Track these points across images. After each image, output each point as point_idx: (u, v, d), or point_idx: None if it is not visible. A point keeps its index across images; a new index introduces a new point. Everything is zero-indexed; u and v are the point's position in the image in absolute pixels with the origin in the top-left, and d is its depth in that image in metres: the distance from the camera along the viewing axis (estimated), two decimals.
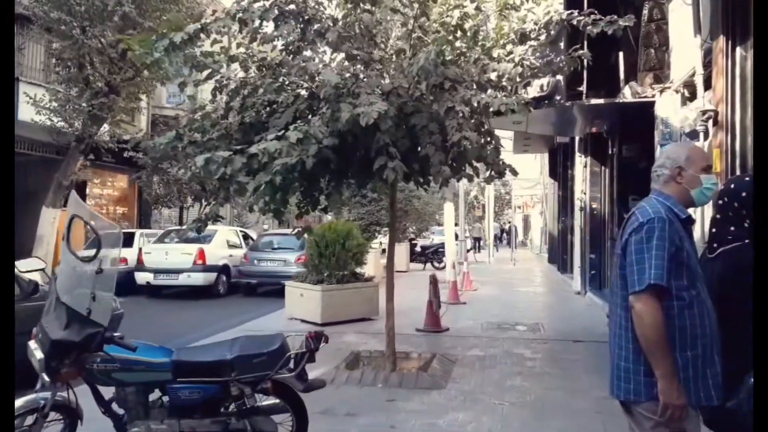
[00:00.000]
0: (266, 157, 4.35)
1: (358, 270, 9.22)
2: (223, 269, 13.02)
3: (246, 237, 14.67)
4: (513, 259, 21.71)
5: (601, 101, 6.72)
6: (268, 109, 5.62)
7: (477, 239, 31.55)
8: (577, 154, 12.42)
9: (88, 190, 20.08)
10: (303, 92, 5.40)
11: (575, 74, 7.06)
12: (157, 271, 12.31)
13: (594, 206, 11.66)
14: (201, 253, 12.48)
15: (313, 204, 6.41)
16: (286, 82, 5.51)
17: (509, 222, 35.19)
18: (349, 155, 5.40)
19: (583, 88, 7.07)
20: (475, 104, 4.76)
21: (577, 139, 12.39)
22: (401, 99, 5.28)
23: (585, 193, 11.97)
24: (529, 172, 26.33)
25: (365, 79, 4.98)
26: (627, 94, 6.52)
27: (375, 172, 4.87)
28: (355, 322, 8.64)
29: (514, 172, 5.52)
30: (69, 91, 13.54)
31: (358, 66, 5.19)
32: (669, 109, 6.09)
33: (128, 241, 13.15)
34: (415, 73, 4.71)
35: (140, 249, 12.87)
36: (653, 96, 6.30)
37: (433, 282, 8.14)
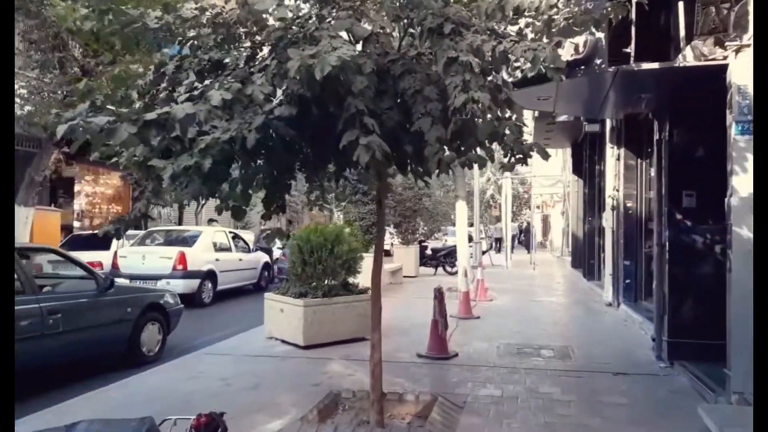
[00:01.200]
0: (176, 125, 2.91)
1: (350, 280, 7.76)
2: (208, 275, 11.64)
3: (236, 238, 13.27)
4: (532, 263, 20.09)
5: (654, 65, 5.19)
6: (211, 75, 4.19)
7: (498, 240, 30.14)
8: (608, 145, 10.84)
9: (77, 188, 18.96)
10: (248, 44, 3.95)
11: (620, 34, 5.53)
12: (132, 278, 10.95)
13: (629, 205, 10.08)
14: (182, 258, 11.12)
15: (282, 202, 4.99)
16: (236, 33, 4.05)
17: (527, 222, 33.48)
18: (317, 131, 3.96)
19: (631, 49, 5.54)
20: (488, 53, 3.27)
21: (608, 127, 10.81)
22: (388, 57, 3.83)
23: (618, 190, 10.39)
24: (550, 169, 24.70)
25: (332, 22, 3.51)
26: (689, 57, 4.99)
27: (345, 153, 3.43)
28: (345, 343, 7.19)
29: (545, 155, 4.01)
30: (42, 77, 12.31)
31: (326, 8, 3.71)
32: (748, 74, 4.54)
33: (105, 243, 11.86)
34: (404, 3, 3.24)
35: (115, 252, 11.54)
36: (725, 58, 4.77)
37: (439, 297, 6.66)
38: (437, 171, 3.76)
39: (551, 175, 23.78)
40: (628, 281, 10.02)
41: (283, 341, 7.31)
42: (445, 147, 3.70)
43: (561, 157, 23.57)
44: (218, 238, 12.74)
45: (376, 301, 4.71)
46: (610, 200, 10.70)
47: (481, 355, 6.76)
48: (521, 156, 3.99)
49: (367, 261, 11.70)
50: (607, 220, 11.07)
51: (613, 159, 10.61)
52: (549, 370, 6.09)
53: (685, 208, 6.13)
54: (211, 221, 18.29)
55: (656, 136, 6.67)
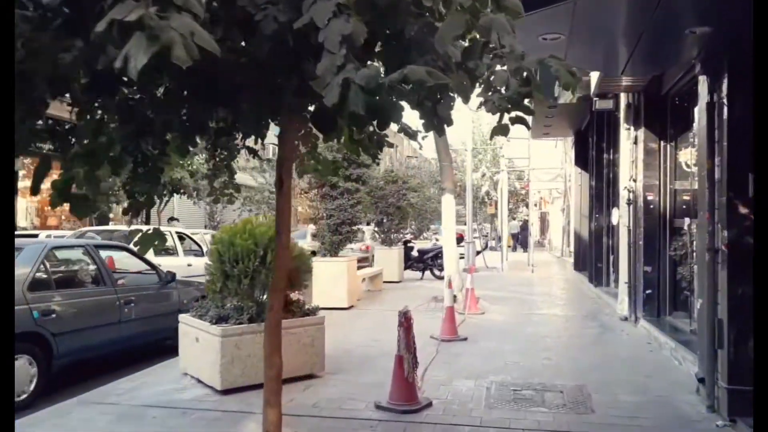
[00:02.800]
0: None
1: (295, 297, 5.89)
2: None
3: (183, 239, 11.33)
4: (531, 265, 18.23)
5: None
6: None
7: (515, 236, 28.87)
8: (623, 126, 8.99)
9: (24, 183, 16.99)
10: None
11: None
12: None
13: (650, 198, 8.23)
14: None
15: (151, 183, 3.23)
16: None
17: (525, 219, 31.62)
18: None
19: None
20: None
21: (622, 105, 8.95)
22: None
23: (635, 181, 8.55)
24: (549, 161, 22.85)
25: None
26: None
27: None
28: (284, 383, 5.33)
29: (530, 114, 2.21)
30: None
31: None
32: None
33: None
34: None
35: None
36: None
37: (405, 323, 4.78)
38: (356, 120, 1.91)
39: (550, 168, 21.94)
40: (648, 291, 8.18)
41: (199, 381, 5.44)
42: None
43: (561, 149, 21.74)
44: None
45: (273, 336, 2.91)
46: (625, 193, 8.85)
47: (464, 403, 4.88)
48: (525, 95, 2.15)
49: (331, 268, 9.86)
50: (621, 216, 9.22)
51: (630, 143, 8.77)
52: None
53: (754, 197, 4.27)
54: (171, 220, 16.39)
55: (706, 99, 4.81)
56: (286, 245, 3.17)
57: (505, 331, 8.16)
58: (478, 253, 18.89)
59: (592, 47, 5.22)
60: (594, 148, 12.62)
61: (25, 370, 5.09)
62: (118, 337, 6.21)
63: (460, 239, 16.80)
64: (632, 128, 8.64)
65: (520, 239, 32.31)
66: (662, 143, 8.21)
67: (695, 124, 5.14)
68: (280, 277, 3.17)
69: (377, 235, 14.62)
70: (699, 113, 5.12)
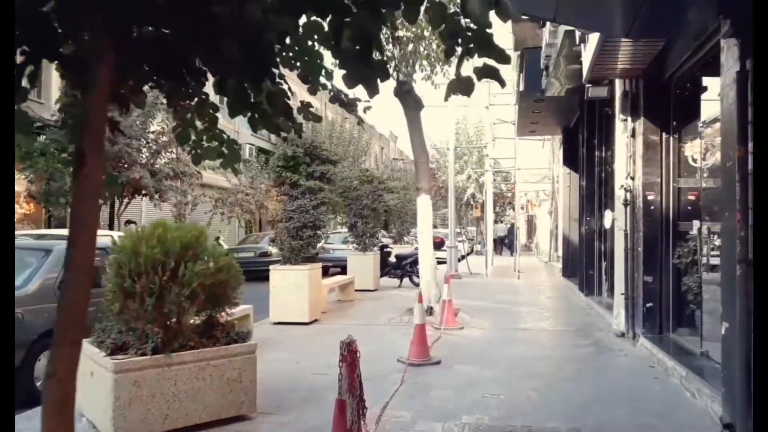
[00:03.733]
0: None
1: (221, 317, 4.74)
2: None
3: None
4: (517, 271, 17.18)
5: None
6: None
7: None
8: (619, 117, 7.95)
9: None
10: None
11: None
12: None
13: (650, 198, 7.21)
14: None
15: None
16: None
17: (511, 222, 30.65)
18: None
19: None
20: None
21: (617, 94, 7.91)
22: None
23: (633, 178, 7.52)
24: (536, 161, 21.87)
25: None
26: None
27: None
28: (204, 429, 4.20)
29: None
30: None
31: None
32: None
33: None
34: None
35: None
36: None
37: (349, 357, 3.67)
38: None
39: (537, 169, 20.94)
40: (650, 305, 7.14)
41: (94, 426, 4.28)
42: None
43: (549, 149, 20.76)
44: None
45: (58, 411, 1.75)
46: (621, 192, 7.81)
47: None
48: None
49: (290, 278, 8.58)
50: (617, 219, 8.19)
51: (626, 136, 7.73)
52: None
53: None
54: (128, 222, 15.16)
55: (736, 68, 3.75)
56: (84, 268, 1.97)
57: (485, 351, 7.06)
58: (461, 258, 17.84)
59: (587, 5, 4.16)
60: (584, 145, 11.60)
61: None
62: None
63: (440, 244, 15.74)
64: (629, 119, 7.60)
65: (507, 242, 31.35)
66: (664, 135, 7.19)
67: (722, 101, 4.08)
68: (68, 323, 1.96)
69: (350, 240, 13.46)
70: (724, 88, 4.06)
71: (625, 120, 7.74)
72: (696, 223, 6.36)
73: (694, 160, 6.95)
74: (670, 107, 7.10)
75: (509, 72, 15.36)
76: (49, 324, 4.79)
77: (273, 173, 8.89)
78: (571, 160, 14.79)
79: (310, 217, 8.67)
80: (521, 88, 11.90)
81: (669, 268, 7.03)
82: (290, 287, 8.51)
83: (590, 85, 7.77)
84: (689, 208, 7.04)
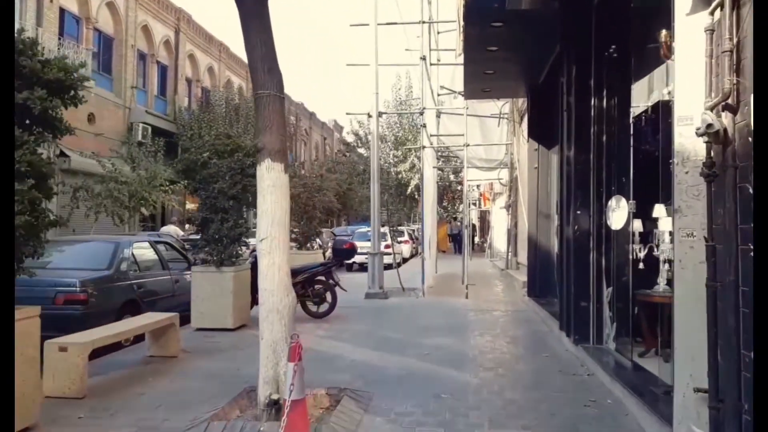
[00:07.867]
0: None
1: None
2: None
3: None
4: (465, 285, 12.56)
5: None
6: None
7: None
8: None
9: None
10: None
11: None
12: None
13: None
14: None
15: None
16: None
17: (460, 222, 26.17)
18: None
19: None
20: None
21: None
22: None
23: (732, 107, 2.95)
24: (490, 152, 17.28)
25: None
26: None
27: None
28: None
29: None
30: None
31: None
32: None
33: None
34: None
35: None
36: None
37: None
38: None
39: (493, 145, 16.38)
40: None
41: None
42: None
43: (504, 128, 16.30)
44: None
45: None
46: (693, 144, 3.25)
47: None
48: None
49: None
50: (682, 212, 3.60)
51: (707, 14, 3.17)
52: None
53: None
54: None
55: None
56: None
57: None
58: (386, 267, 13.10)
59: None
60: (573, 94, 7.03)
61: None
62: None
63: (350, 251, 10.91)
64: None
65: (459, 239, 26.88)
66: None
67: None
68: None
69: (199, 247, 8.60)
70: None
71: None
72: None
73: None
74: None
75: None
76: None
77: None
78: (541, 128, 10.31)
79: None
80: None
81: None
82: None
83: None
84: None
